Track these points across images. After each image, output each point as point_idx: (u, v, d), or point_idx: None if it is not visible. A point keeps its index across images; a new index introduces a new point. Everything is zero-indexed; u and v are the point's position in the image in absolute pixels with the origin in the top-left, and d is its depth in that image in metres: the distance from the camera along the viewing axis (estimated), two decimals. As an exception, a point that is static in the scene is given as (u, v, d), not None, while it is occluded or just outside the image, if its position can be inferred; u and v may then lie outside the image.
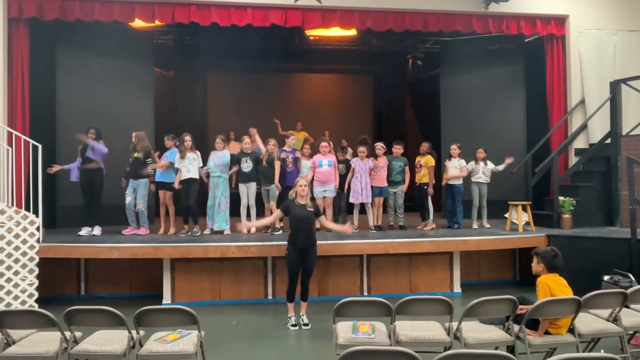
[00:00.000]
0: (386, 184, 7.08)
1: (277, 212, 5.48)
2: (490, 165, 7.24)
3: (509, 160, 7.22)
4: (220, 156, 6.82)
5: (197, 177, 6.74)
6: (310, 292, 5.33)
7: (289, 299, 5.22)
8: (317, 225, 6.78)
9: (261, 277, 6.28)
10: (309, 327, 5.13)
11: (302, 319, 5.22)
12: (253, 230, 6.82)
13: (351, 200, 6.88)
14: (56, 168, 6.61)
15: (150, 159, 6.75)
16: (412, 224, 7.57)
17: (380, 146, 7.13)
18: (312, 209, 5.18)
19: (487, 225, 7.28)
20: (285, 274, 5.94)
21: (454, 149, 7.28)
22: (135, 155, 6.69)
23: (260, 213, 7.08)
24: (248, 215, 6.86)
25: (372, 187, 6.91)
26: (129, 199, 6.68)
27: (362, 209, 7.06)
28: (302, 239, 5.05)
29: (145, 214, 6.79)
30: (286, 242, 5.24)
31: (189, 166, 6.64)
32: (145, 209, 6.77)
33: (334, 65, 12.12)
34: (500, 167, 7.24)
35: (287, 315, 5.26)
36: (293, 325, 5.16)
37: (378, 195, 7.03)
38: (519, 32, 8.07)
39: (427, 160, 7.30)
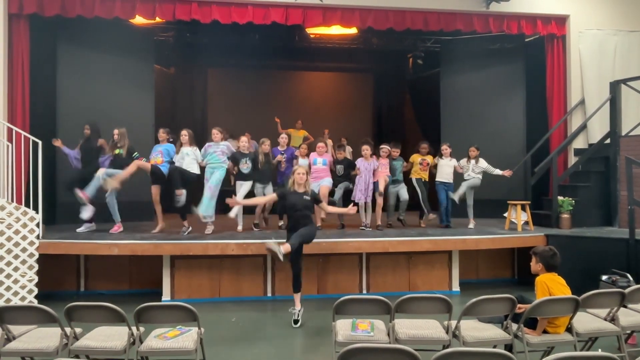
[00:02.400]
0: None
1: (272, 195, 5.34)
2: (483, 163, 7.12)
3: (507, 173, 7.11)
4: (223, 147, 6.59)
5: (195, 172, 6.54)
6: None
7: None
8: (319, 224, 6.82)
9: (260, 275, 6.29)
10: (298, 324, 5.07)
11: (294, 314, 5.09)
12: (239, 228, 6.67)
13: (356, 199, 6.84)
14: (59, 143, 6.60)
15: (136, 154, 6.60)
16: (411, 222, 7.61)
17: (386, 149, 7.18)
18: (309, 197, 4.99)
19: (471, 225, 7.18)
20: (284, 272, 5.96)
21: (445, 148, 7.32)
22: (117, 152, 6.57)
23: (252, 212, 7.10)
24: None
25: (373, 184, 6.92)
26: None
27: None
28: (299, 228, 4.86)
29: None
30: (284, 240, 5.23)
31: (182, 161, 6.44)
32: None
33: (335, 63, 12.13)
34: (496, 172, 7.10)
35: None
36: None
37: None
38: (519, 32, 8.08)
39: (431, 159, 7.47)
